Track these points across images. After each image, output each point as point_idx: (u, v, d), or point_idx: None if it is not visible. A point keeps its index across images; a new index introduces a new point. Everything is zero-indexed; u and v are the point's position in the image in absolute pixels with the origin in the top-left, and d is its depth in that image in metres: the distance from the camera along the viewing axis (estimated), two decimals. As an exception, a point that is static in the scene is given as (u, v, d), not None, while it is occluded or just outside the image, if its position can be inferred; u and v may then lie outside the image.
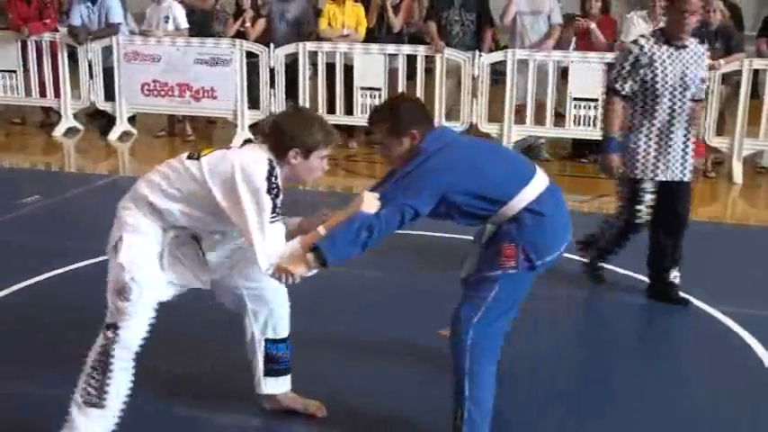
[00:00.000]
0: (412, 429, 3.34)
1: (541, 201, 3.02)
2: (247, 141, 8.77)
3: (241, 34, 9.02)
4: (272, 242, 2.88)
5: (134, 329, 3.02)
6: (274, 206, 2.89)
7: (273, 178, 2.91)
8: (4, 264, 5.03)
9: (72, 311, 4.30)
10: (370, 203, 2.93)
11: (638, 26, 7.81)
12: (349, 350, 3.97)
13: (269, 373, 3.36)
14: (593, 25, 8.09)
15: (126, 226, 3.06)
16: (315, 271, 2.92)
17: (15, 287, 4.65)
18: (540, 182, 3.07)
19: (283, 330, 3.34)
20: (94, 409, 3.01)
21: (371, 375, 3.74)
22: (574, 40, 8.32)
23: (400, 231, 3.00)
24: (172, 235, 3.08)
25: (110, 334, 3.02)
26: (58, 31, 9.28)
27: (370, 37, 8.68)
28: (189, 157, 3.04)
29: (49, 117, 9.76)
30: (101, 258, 5.13)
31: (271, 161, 2.95)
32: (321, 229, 2.95)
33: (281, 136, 3.00)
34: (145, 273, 3.01)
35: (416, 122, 3.07)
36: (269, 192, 2.88)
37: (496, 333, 3.06)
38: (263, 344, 3.32)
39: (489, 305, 2.99)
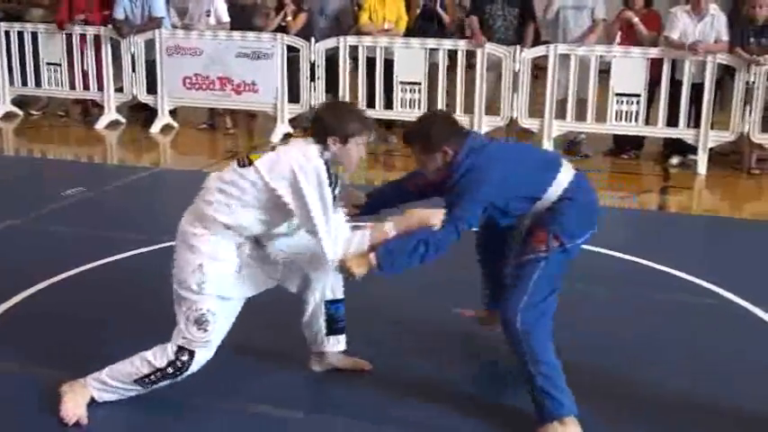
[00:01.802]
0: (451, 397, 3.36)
1: (570, 188, 3.24)
2: (287, 135, 8.82)
3: (282, 28, 9.05)
4: (337, 234, 3.08)
5: (203, 357, 3.20)
6: (334, 198, 3.08)
7: (329, 171, 3.08)
8: (48, 254, 5.10)
9: (105, 306, 4.35)
10: (436, 219, 3.14)
11: (681, 21, 7.73)
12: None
13: (331, 331, 3.57)
14: (635, 19, 8.01)
15: (202, 255, 3.16)
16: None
17: (59, 277, 4.70)
18: (567, 171, 3.28)
19: (340, 291, 3.54)
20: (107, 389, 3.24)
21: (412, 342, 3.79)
22: (618, 34, 8.23)
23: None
24: (246, 249, 3.22)
25: (183, 357, 3.16)
26: (107, 23, 9.39)
27: (413, 31, 8.67)
28: (240, 165, 3.17)
29: (89, 113, 9.86)
30: (143, 249, 5.25)
31: (321, 154, 3.11)
32: (389, 228, 3.16)
33: (322, 125, 3.18)
34: (223, 304, 3.18)
35: (448, 138, 3.26)
36: (329, 185, 3.06)
37: (544, 313, 3.19)
38: (323, 307, 3.53)
39: (531, 290, 3.15)
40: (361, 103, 8.65)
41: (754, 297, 4.56)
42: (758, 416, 3.46)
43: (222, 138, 9.15)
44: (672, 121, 7.91)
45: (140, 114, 9.73)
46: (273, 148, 3.24)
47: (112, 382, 3.24)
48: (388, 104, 8.66)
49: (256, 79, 8.94)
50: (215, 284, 3.14)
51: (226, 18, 9.15)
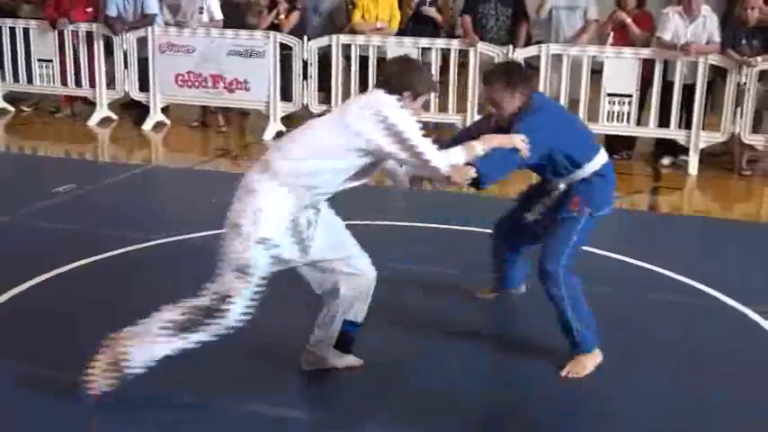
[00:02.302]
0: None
1: (603, 169, 3.83)
2: (280, 134, 8.82)
3: (275, 26, 9.04)
4: (438, 152, 3.28)
5: (240, 309, 3.23)
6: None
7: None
8: (39, 251, 5.09)
9: (95, 303, 4.35)
10: (516, 143, 3.50)
11: (673, 22, 7.75)
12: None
13: (338, 347, 3.66)
14: (628, 20, 8.02)
15: (263, 201, 3.21)
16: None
17: (49, 274, 4.69)
18: (603, 154, 3.87)
19: (361, 317, 3.63)
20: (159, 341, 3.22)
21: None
22: (611, 35, 8.24)
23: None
24: (304, 216, 3.29)
25: (223, 306, 3.20)
26: (96, 20, 9.36)
27: (405, 32, 8.68)
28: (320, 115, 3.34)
29: (73, 112, 9.81)
30: (135, 246, 5.25)
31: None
32: (478, 145, 3.44)
33: (399, 79, 3.35)
34: (265, 257, 3.22)
35: (525, 83, 3.72)
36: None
37: (573, 262, 3.78)
38: (341, 323, 3.59)
39: (569, 245, 3.74)
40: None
41: (744, 297, 4.58)
42: (749, 415, 3.48)
43: (214, 136, 9.14)
44: (663, 121, 7.94)
45: (133, 112, 9.71)
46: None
47: (151, 333, 3.24)
48: (381, 103, 8.64)
49: (249, 77, 8.94)
50: (266, 230, 3.19)
51: (219, 15, 9.14)
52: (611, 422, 3.43)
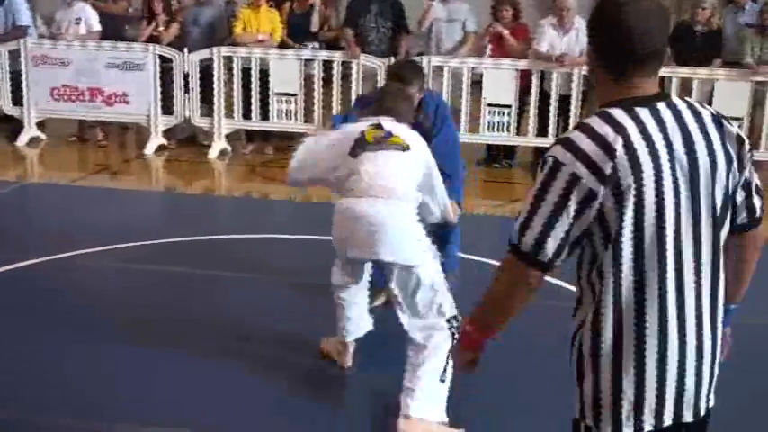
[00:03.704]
0: None
1: None
2: (162, 147, 8.66)
3: (154, 38, 8.88)
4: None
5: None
6: None
7: None
8: None
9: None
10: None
11: (548, 33, 7.98)
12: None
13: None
14: (505, 32, 8.21)
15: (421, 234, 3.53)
16: None
17: None
18: None
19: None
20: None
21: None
22: (489, 47, 8.42)
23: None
24: None
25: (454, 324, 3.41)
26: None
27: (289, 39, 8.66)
28: (396, 147, 3.57)
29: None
30: (7, 267, 5.05)
31: None
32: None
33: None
34: None
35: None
36: None
37: None
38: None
39: None
40: (237, 114, 8.60)
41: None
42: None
43: (93, 150, 8.90)
44: (542, 131, 8.16)
45: (6, 127, 9.34)
46: (379, 126, 3.62)
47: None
48: (265, 116, 8.61)
49: (128, 90, 8.74)
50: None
51: (97, 27, 8.91)
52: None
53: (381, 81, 8.22)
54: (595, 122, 1.90)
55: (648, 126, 1.89)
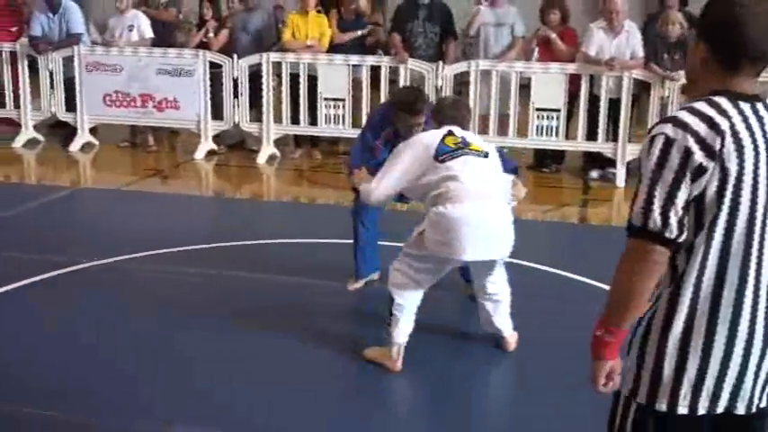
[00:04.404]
0: None
1: None
2: (212, 152, 8.76)
3: (204, 45, 8.98)
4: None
5: None
6: None
7: None
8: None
9: (24, 330, 4.25)
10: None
11: (597, 37, 7.90)
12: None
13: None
14: (553, 35, 8.16)
15: None
16: None
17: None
18: None
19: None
20: None
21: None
22: (536, 51, 8.37)
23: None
24: None
25: None
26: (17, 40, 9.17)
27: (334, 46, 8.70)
28: (478, 154, 3.84)
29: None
30: (61, 271, 5.14)
31: None
32: None
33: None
34: None
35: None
36: None
37: None
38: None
39: None
40: (286, 119, 8.66)
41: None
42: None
43: (144, 155, 9.02)
44: (591, 135, 8.08)
45: (60, 132, 9.52)
46: (451, 133, 3.88)
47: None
48: (313, 121, 8.65)
49: (178, 96, 8.84)
50: None
51: (149, 34, 9.04)
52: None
53: (429, 86, 8.22)
54: (701, 105, 1.95)
55: (750, 119, 1.94)
